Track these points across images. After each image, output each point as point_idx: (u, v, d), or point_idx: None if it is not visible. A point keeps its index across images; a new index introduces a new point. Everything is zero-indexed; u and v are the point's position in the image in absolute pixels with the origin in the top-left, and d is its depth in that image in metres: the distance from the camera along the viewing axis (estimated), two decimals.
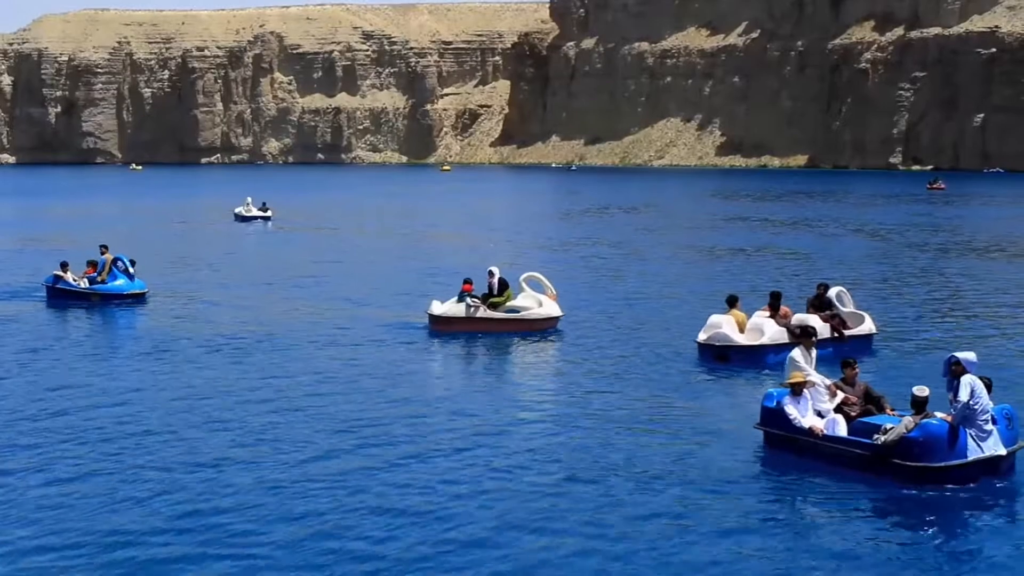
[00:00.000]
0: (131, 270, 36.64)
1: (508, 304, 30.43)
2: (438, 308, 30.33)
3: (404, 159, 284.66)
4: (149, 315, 34.05)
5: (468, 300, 30.16)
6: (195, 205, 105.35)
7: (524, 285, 31.06)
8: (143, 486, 16.30)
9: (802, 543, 14.24)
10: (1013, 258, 52.18)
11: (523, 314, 30.30)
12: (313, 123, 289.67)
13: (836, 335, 26.73)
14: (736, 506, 15.52)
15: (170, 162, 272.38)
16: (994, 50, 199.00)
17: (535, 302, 30.53)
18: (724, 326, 25.85)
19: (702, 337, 26.14)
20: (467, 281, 30.88)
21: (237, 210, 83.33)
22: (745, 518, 15.06)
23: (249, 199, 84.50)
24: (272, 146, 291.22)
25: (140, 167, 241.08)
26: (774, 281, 40.30)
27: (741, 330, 25.99)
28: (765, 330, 25.84)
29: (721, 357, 25.58)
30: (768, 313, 26.54)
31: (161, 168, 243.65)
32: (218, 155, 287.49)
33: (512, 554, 13.82)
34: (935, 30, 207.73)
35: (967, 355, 17.05)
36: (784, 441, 18.05)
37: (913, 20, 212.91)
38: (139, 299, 36.19)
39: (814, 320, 26.70)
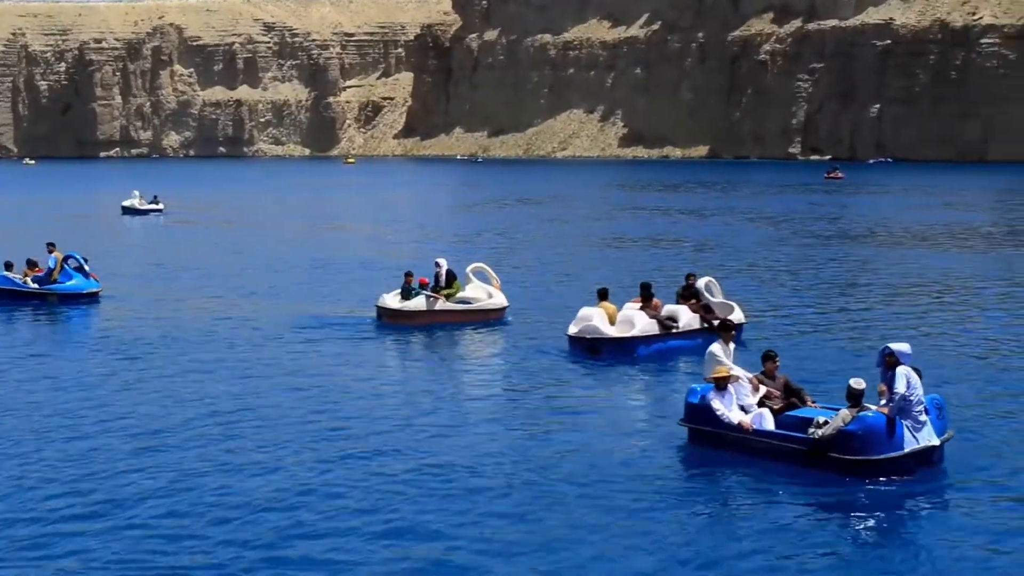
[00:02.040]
0: (86, 268, 35.49)
1: (459, 295, 30.54)
2: (394, 302, 30.16)
3: (307, 152, 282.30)
4: (104, 314, 33.11)
5: (427, 293, 30.15)
6: (86, 199, 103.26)
7: (471, 276, 31.16)
8: (94, 485, 16.24)
9: (741, 540, 14.06)
10: (897, 245, 53.15)
11: (474, 305, 30.42)
12: (214, 116, 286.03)
13: (706, 325, 26.88)
14: (669, 505, 15.28)
15: (68, 156, 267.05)
16: (889, 42, 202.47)
17: (485, 293, 30.74)
18: (595, 318, 25.82)
19: (573, 330, 26.08)
20: (408, 273, 30.76)
21: (125, 203, 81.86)
22: (680, 517, 14.86)
23: (137, 192, 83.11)
24: (172, 139, 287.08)
25: (33, 161, 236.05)
26: (672, 271, 40.68)
27: (612, 322, 26.02)
28: (636, 322, 25.86)
29: (592, 350, 25.54)
30: (639, 305, 26.61)
31: (58, 162, 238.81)
32: (117, 149, 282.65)
33: (425, 555, 13.69)
34: (832, 22, 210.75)
35: (901, 346, 16.94)
36: (711, 437, 17.71)
37: (811, 12, 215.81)
38: (93, 298, 35.04)
39: (684, 311, 26.91)
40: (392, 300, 30.28)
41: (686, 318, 26.69)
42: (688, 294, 27.83)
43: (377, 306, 30.54)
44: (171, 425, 19.58)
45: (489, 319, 30.40)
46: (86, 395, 22.07)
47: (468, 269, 31.43)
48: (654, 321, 26.12)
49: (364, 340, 28.28)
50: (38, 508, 15.32)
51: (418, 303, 30.04)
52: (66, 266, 35.40)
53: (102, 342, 28.25)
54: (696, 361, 24.58)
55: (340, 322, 30.62)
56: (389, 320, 30.03)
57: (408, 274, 30.78)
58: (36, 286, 35.14)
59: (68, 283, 35.10)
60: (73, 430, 19.29)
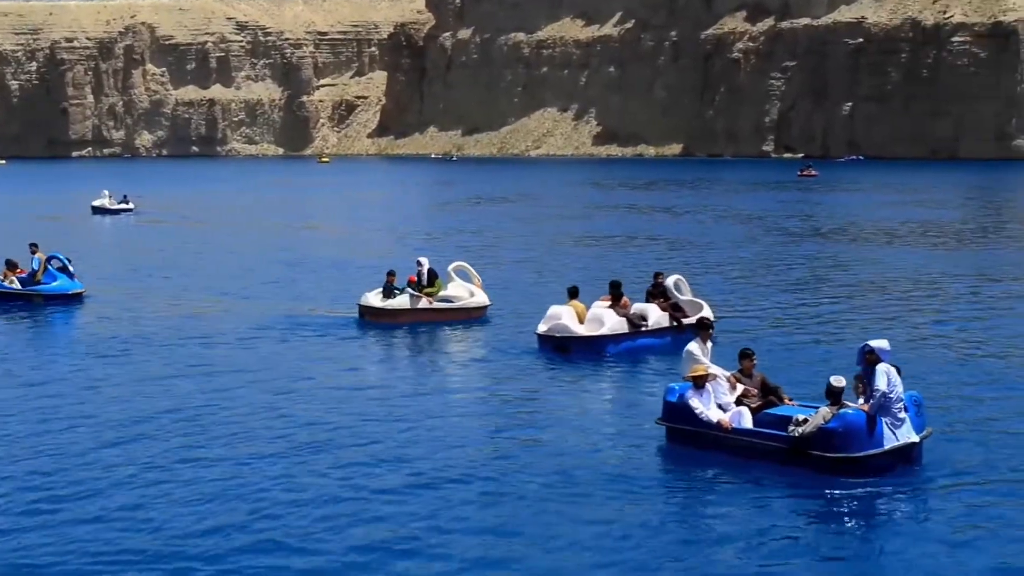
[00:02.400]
0: (70, 268, 35.19)
1: (441, 294, 30.61)
2: (376, 300, 30.14)
3: (280, 151, 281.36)
4: (89, 314, 32.87)
5: (411, 291, 30.15)
6: (57, 199, 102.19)
7: (453, 275, 31.24)
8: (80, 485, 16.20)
9: (722, 538, 14.03)
10: (870, 243, 53.34)
11: (457, 304, 30.48)
12: (187, 115, 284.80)
13: (675, 324, 26.83)
14: (649, 504, 15.25)
15: (39, 156, 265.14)
16: (861, 40, 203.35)
17: (466, 291, 30.86)
18: (564, 317, 25.77)
19: (542, 328, 26.02)
20: (391, 272, 30.78)
21: (95, 203, 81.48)
22: (660, 516, 14.84)
23: (106, 191, 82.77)
24: (145, 139, 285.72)
25: (4, 161, 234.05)
26: (645, 268, 40.64)
27: (581, 321, 25.95)
28: (605, 320, 25.78)
29: (561, 348, 25.47)
30: (608, 303, 26.53)
31: (29, 162, 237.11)
32: (89, 148, 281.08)
33: (391, 550, 13.65)
34: (804, 21, 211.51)
35: (881, 343, 16.89)
36: (689, 436, 17.61)
37: (783, 10, 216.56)
38: (77, 299, 34.72)
39: (653, 309, 26.83)
40: (375, 299, 30.28)
41: (655, 316, 26.64)
42: (657, 292, 27.76)
43: (360, 305, 30.53)
44: (157, 423, 19.56)
45: (471, 317, 30.50)
46: (79, 395, 22.00)
47: (450, 268, 31.52)
48: (623, 319, 26.05)
49: (346, 339, 28.22)
50: (4, 500, 15.40)
51: (401, 302, 30.07)
52: (49, 267, 35.16)
53: (88, 343, 28.08)
54: (665, 359, 24.66)
55: (322, 321, 30.57)
56: (372, 319, 30.03)
57: (391, 273, 30.79)
58: (20, 287, 34.87)
59: (53, 284, 34.84)
60: (58, 429, 19.24)
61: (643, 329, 26.26)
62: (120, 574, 13.12)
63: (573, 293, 26.94)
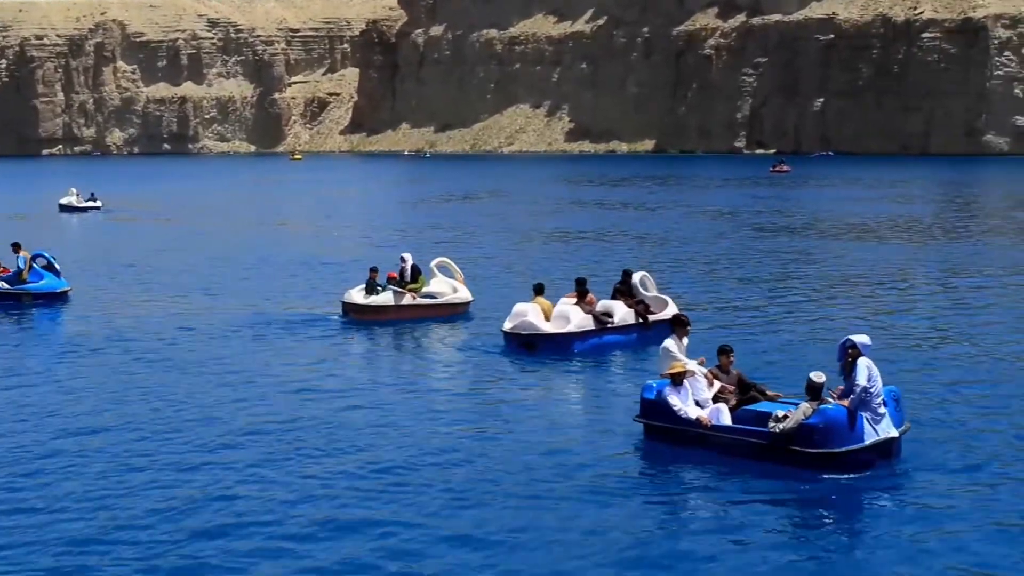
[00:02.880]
0: (56, 266, 34.85)
1: (424, 290, 30.60)
2: (359, 297, 30.02)
3: (252, 148, 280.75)
4: (76, 313, 32.62)
5: (394, 288, 30.10)
6: (25, 198, 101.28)
7: (436, 271, 31.22)
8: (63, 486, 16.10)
9: (703, 534, 13.95)
10: (843, 238, 53.46)
11: (440, 300, 30.44)
12: (158, 113, 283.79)
13: (641, 320, 26.73)
14: (629, 501, 15.15)
15: (9, 155, 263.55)
16: (832, 36, 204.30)
17: (449, 287, 30.84)
18: (529, 314, 25.60)
19: (507, 326, 25.84)
20: (373, 269, 30.73)
21: (63, 201, 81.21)
22: (640, 513, 14.76)
23: (74, 189, 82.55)
24: (116, 137, 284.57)
25: None
26: (616, 265, 40.62)
27: (547, 318, 25.77)
28: (571, 317, 25.57)
29: (528, 346, 25.31)
30: (574, 300, 26.33)
31: None
32: (60, 146, 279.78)
33: (362, 549, 13.56)
34: (776, 17, 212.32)
35: (862, 338, 16.84)
36: (668, 433, 17.52)
37: (755, 7, 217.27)
38: (63, 297, 34.40)
39: (619, 306, 26.69)
40: (358, 295, 30.12)
41: (621, 313, 26.48)
42: (625, 289, 27.61)
43: (343, 302, 30.36)
44: (150, 421, 19.51)
45: (455, 313, 30.48)
46: (76, 395, 21.83)
47: (432, 264, 31.48)
48: (589, 316, 25.87)
49: (330, 336, 28.04)
50: None
51: (385, 298, 29.95)
52: (35, 265, 34.82)
53: (81, 341, 27.85)
54: (632, 356, 24.67)
55: (305, 318, 30.34)
56: (356, 315, 29.85)
57: (373, 269, 30.72)
58: (7, 286, 34.53)
59: (40, 282, 34.51)
60: (42, 427, 19.15)
61: (609, 326, 26.13)
62: (82, 562, 13.10)
63: (539, 290, 26.76)
